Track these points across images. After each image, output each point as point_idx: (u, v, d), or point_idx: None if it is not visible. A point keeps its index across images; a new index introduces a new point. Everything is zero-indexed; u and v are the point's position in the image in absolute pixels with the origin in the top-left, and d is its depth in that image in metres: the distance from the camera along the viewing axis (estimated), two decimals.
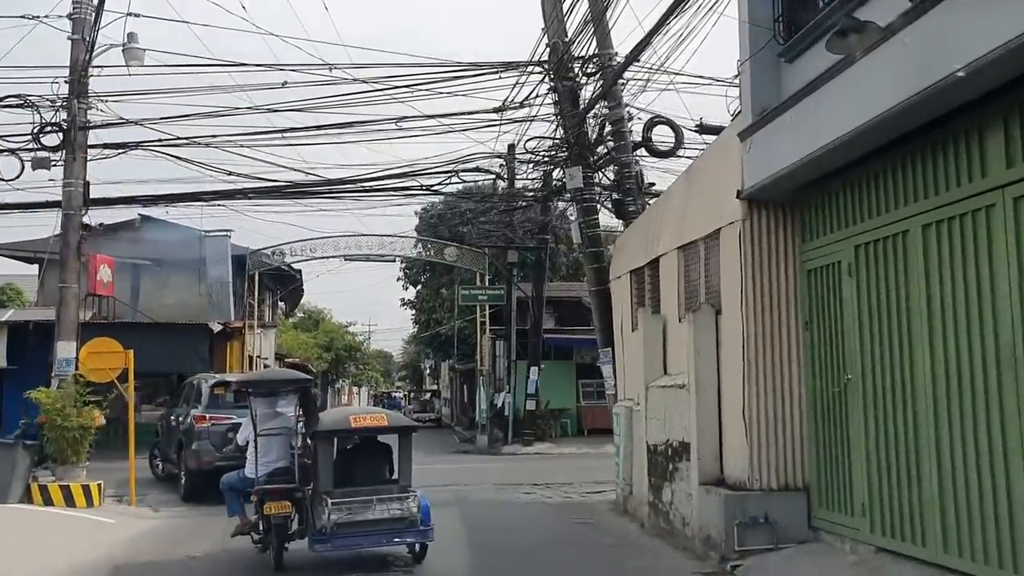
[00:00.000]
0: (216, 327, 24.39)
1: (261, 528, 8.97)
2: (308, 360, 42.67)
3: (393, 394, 56.18)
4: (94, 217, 14.83)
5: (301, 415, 9.14)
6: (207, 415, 14.14)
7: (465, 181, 21.12)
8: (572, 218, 15.11)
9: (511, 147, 23.01)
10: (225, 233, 27.71)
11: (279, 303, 41.11)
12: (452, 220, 47.67)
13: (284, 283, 38.79)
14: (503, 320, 28.37)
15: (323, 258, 26.70)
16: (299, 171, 17.14)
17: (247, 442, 9.19)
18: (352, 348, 52.65)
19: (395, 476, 9.13)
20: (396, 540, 8.70)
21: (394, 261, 27.23)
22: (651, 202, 14.33)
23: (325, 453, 8.67)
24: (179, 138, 14.89)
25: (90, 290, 24.37)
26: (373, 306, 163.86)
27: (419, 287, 49.50)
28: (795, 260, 8.62)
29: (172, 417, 16.00)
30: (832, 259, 7.99)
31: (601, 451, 24.71)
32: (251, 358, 26.45)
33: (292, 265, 29.29)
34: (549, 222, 25.14)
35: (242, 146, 15.36)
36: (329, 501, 8.28)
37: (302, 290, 40.21)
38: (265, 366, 30.06)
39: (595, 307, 14.55)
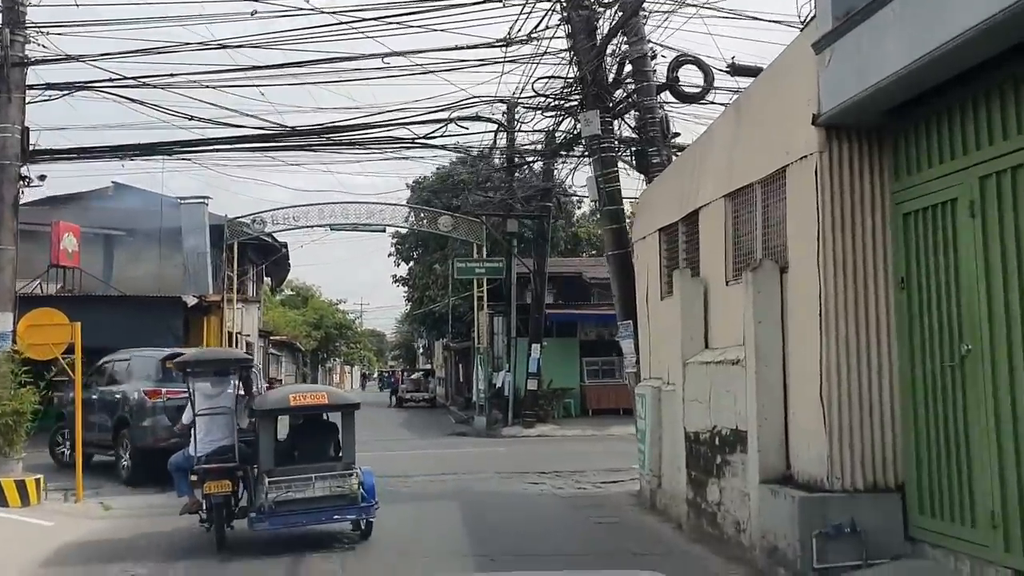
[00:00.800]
0: (191, 300, 22.56)
1: (204, 508, 8.84)
2: (295, 338, 40.90)
3: (397, 371, 54.80)
4: (58, 185, 12.90)
5: (244, 394, 9.32)
6: (162, 389, 12.95)
7: (463, 131, 19.22)
8: (588, 175, 13.27)
9: (511, 106, 21.08)
10: (202, 200, 25.80)
11: (264, 278, 39.24)
12: (447, 192, 46.02)
13: (268, 256, 36.89)
14: (502, 295, 26.63)
15: (307, 227, 24.87)
16: (271, 123, 15.17)
17: (191, 421, 9.05)
18: (343, 326, 50.88)
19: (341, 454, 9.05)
20: (336, 517, 8.69)
21: (383, 231, 25.36)
22: (678, 154, 12.52)
23: (266, 432, 8.62)
24: (132, 78, 12.98)
25: (53, 261, 22.52)
26: (364, 286, 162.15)
27: (411, 264, 47.71)
28: (887, 201, 6.84)
29: (97, 396, 14.29)
30: (943, 197, 6.21)
31: (607, 433, 23.05)
32: (231, 334, 24.64)
33: (275, 235, 27.41)
34: (552, 188, 23.31)
35: (205, 87, 13.43)
36: (267, 480, 8.32)
37: (288, 264, 38.33)
38: (247, 343, 28.26)
39: (614, 275, 12.77)
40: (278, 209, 24.91)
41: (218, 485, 8.51)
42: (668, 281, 10.55)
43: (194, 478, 8.66)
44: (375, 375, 75.80)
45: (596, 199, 12.63)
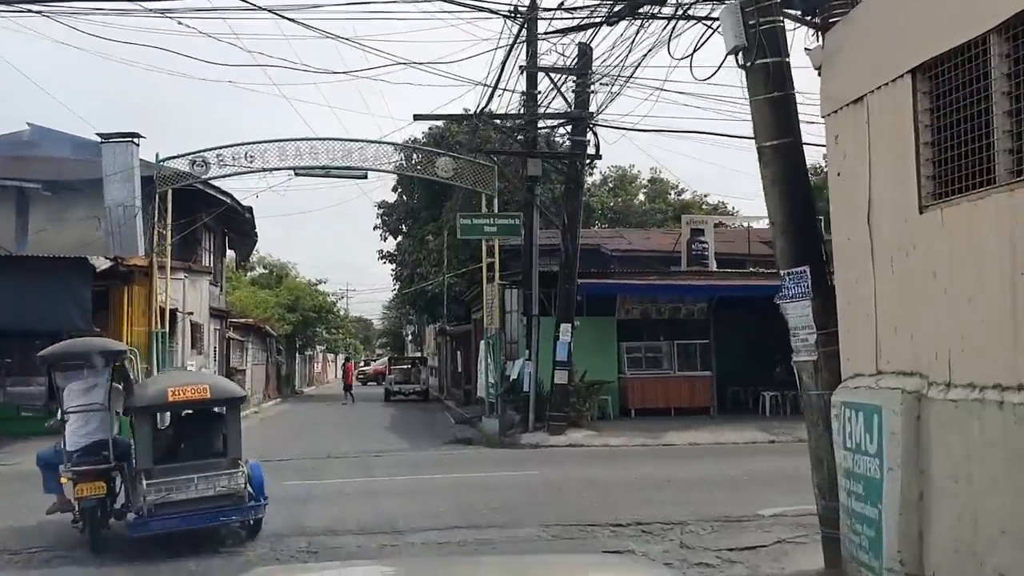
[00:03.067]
0: (101, 263, 16.68)
1: (77, 510, 8.25)
2: (266, 321, 34.99)
3: (351, 361, 49.11)
4: None
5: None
6: None
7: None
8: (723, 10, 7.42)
9: None
10: (129, 139, 19.89)
11: (227, 250, 33.28)
12: (452, 139, 40.06)
13: (230, 223, 30.97)
14: (517, 263, 20.86)
15: (264, 170, 18.93)
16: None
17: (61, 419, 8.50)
18: (323, 309, 44.93)
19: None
20: (222, 519, 8.29)
21: (364, 176, 19.47)
22: None
23: (143, 428, 8.36)
24: None
25: None
26: (349, 270, 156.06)
27: (400, 238, 41.87)
28: None
29: None
30: None
31: (662, 442, 17.28)
32: (165, 311, 18.75)
33: (220, 185, 21.52)
34: (586, 117, 17.49)
35: None
36: (145, 481, 7.95)
37: (255, 233, 32.42)
38: (193, 324, 22.34)
39: (774, 182, 7.02)
40: (225, 147, 18.99)
41: (92, 487, 8.02)
42: (943, 174, 4.80)
43: (65, 480, 8.12)
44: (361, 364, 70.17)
45: (737, 47, 6.85)
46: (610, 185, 45.56)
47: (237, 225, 31.64)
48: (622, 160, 50.58)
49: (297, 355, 51.75)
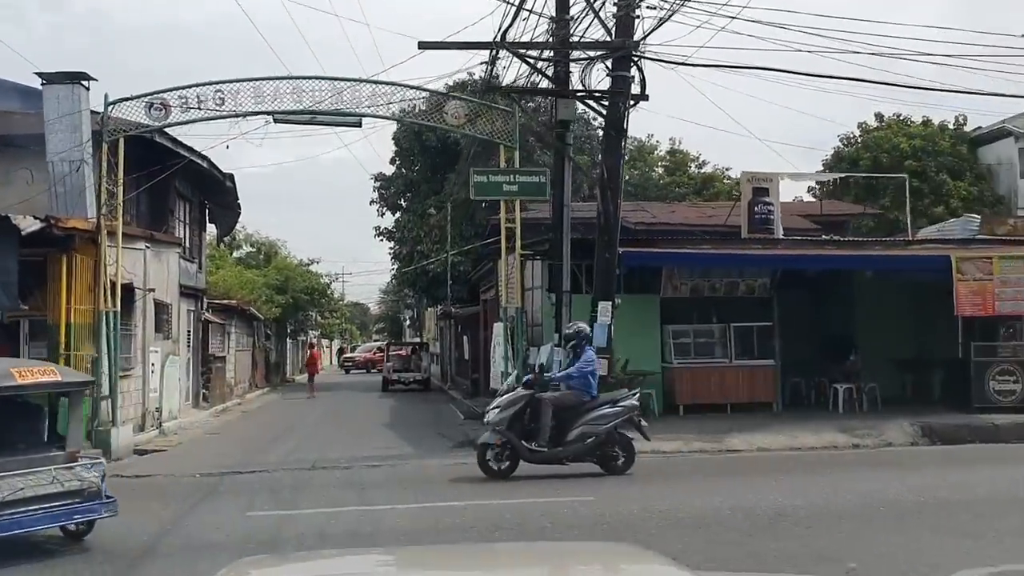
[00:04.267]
0: (28, 225, 13.34)
1: None
2: (251, 303, 31.66)
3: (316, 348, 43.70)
4: None
5: None
6: None
7: None
8: None
9: None
10: (75, 80, 16.48)
11: (207, 224, 29.88)
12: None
13: (209, 192, 27.57)
14: (540, 232, 17.60)
15: (237, 116, 15.50)
16: None
17: None
18: (315, 291, 41.56)
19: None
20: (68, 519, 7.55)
21: (358, 124, 16.04)
22: None
23: None
24: None
25: None
26: (345, 255, 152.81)
27: (399, 213, 38.49)
28: None
29: None
30: None
31: (724, 447, 13.81)
32: (117, 287, 15.38)
33: (192, 137, 18.16)
34: (631, 47, 14.14)
35: None
36: None
37: (237, 205, 28.99)
38: (158, 304, 19.02)
39: None
40: (189, 87, 15.58)
41: None
42: None
43: None
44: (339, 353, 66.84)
45: None
46: (626, 158, 42.06)
47: (218, 195, 28.21)
48: (639, 131, 47.07)
49: (288, 341, 48.46)
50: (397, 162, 38.14)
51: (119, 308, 15.44)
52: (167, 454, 15.44)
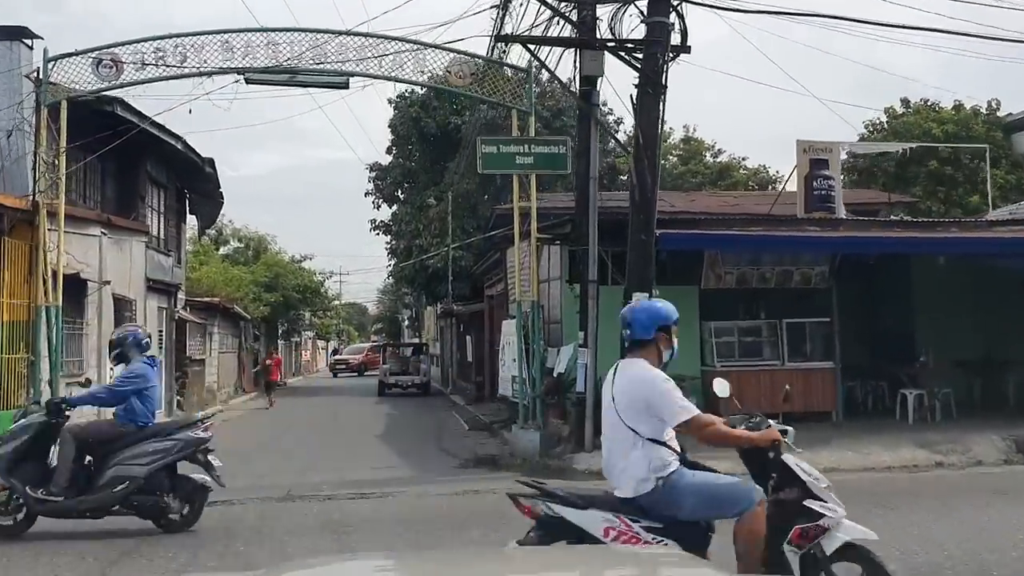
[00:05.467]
0: None
1: None
2: (235, 300, 29.20)
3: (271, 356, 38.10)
4: None
5: None
6: None
7: None
8: None
9: None
10: (13, 38, 14.04)
11: (186, 214, 27.45)
12: (448, 106, 34.15)
13: (186, 177, 25.13)
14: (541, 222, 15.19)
15: (202, 74, 13.06)
16: None
17: None
18: (307, 289, 39.09)
19: None
20: None
21: (344, 85, 13.55)
22: None
23: None
24: None
25: None
26: (344, 256, 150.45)
27: (396, 206, 36.06)
28: None
29: None
30: None
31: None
32: (59, 276, 12.91)
33: (150, 104, 15.78)
34: None
35: None
36: None
37: (219, 193, 26.55)
38: (118, 299, 16.58)
39: None
40: (144, 41, 13.14)
41: None
42: None
43: None
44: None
45: None
46: (665, 127, 39.74)
47: (197, 182, 25.81)
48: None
49: (280, 342, 45.99)
50: (394, 151, 35.80)
51: (62, 303, 12.98)
52: None
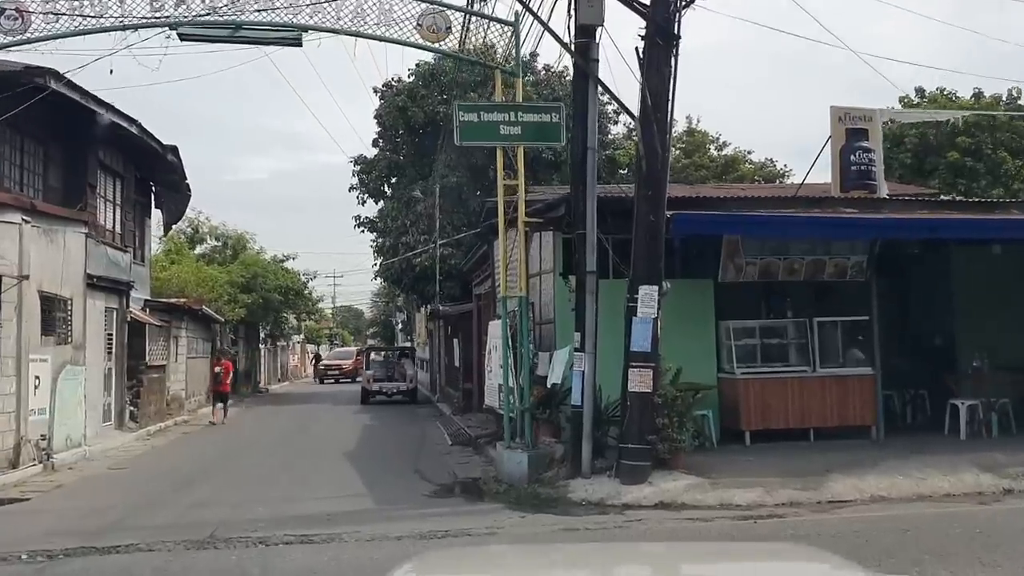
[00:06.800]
0: None
1: None
2: (202, 302, 27.06)
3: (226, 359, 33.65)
4: None
5: None
6: None
7: None
8: None
9: None
10: None
11: (152, 208, 25.35)
12: (437, 96, 32.04)
13: (146, 167, 23.00)
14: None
15: (126, 28, 10.95)
16: None
17: None
18: (290, 291, 36.93)
19: None
20: None
21: (297, 41, 11.39)
22: None
23: None
24: None
25: None
26: (338, 260, 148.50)
27: (381, 202, 33.94)
28: None
29: None
30: None
31: (825, 498, 9.30)
32: None
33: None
34: None
35: None
36: None
37: (185, 185, 24.44)
38: (46, 297, 14.47)
39: None
40: None
41: None
42: None
43: None
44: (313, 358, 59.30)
45: None
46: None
47: (160, 172, 23.74)
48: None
49: (263, 346, 43.80)
50: (380, 143, 33.72)
51: None
52: (27, 505, 10.91)
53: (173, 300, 24.61)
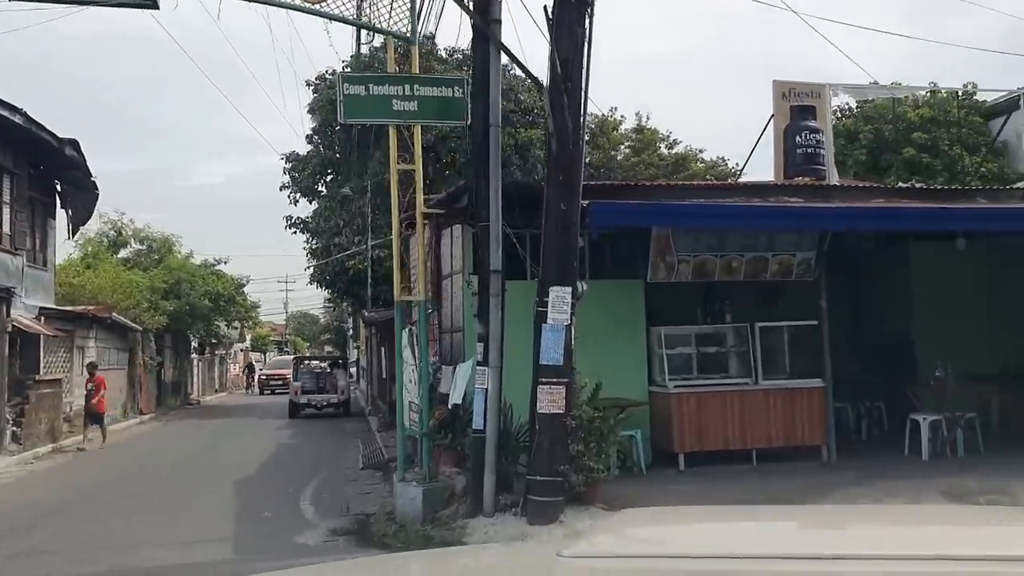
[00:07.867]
0: None
1: None
2: (112, 309, 25.04)
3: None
4: None
5: None
6: None
7: None
8: None
9: None
10: None
11: (58, 208, 23.29)
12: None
13: (44, 160, 20.97)
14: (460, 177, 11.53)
15: None
16: None
17: None
18: (221, 297, 34.85)
19: None
20: None
21: (153, 4, 9.62)
22: None
23: None
24: None
25: None
26: (290, 259, 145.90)
27: (315, 202, 32.09)
28: None
29: None
30: None
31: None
32: None
33: None
34: None
35: None
36: None
37: (92, 183, 22.45)
38: None
39: None
40: None
41: None
42: None
43: None
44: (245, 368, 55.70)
45: None
46: (585, 135, 36.19)
47: (59, 169, 21.75)
48: (602, 103, 40.76)
49: (195, 356, 41.59)
50: (316, 139, 31.91)
51: None
52: None
53: (77, 308, 22.59)
